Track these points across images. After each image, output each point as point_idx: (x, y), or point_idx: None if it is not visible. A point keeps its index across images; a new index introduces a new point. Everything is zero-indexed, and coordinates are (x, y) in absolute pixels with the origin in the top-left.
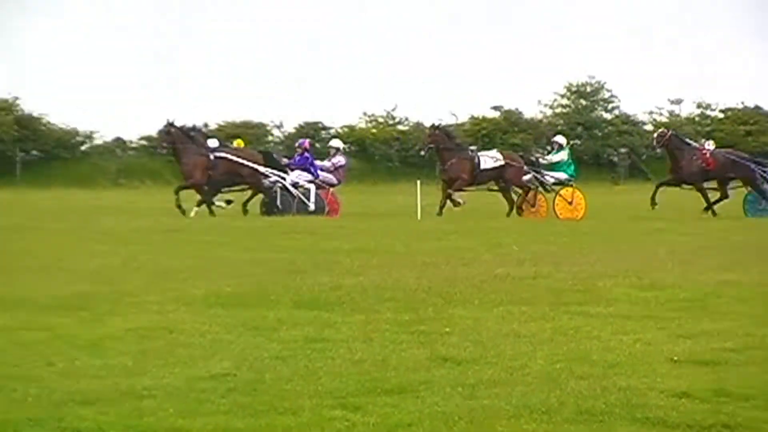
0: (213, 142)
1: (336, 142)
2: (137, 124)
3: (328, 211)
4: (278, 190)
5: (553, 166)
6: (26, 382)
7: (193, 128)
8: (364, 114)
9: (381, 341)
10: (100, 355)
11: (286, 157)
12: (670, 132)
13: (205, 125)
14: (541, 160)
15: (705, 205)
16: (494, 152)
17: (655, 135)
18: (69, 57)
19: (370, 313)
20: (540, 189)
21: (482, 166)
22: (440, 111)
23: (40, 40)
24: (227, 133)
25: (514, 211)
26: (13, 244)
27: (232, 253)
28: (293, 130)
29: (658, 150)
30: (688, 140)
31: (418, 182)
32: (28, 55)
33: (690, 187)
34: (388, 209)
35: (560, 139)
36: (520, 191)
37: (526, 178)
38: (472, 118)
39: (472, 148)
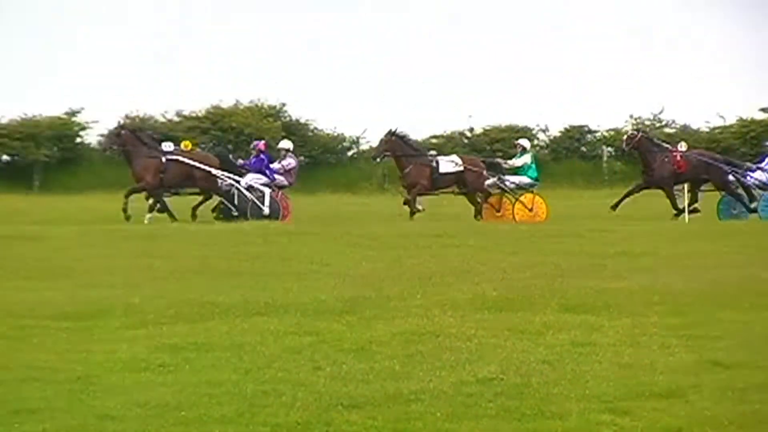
0: (167, 146)
1: (285, 143)
2: (404, 128)
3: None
4: (236, 193)
5: (516, 170)
6: (294, 387)
7: (142, 130)
8: (630, 117)
9: (648, 345)
10: (366, 358)
11: (240, 158)
12: (640, 134)
13: (471, 129)
14: (503, 165)
15: (674, 211)
16: (454, 156)
17: (625, 137)
18: (333, 62)
19: (637, 317)
20: (507, 193)
21: (441, 170)
22: (708, 113)
23: (304, 46)
24: (491, 137)
25: (477, 214)
26: (281, 249)
27: (496, 256)
28: (558, 134)
29: (627, 152)
30: (659, 141)
31: (685, 186)
32: (293, 60)
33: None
34: (655, 212)
35: (524, 142)
36: (481, 195)
37: (488, 182)
38: (740, 120)
39: (432, 153)
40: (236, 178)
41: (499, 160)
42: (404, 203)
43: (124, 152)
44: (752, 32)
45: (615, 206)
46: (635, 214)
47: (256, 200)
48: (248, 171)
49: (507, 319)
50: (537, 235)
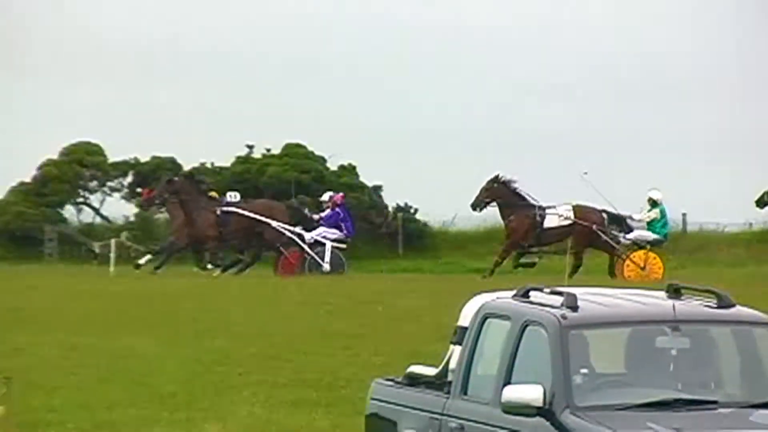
0: (233, 196)
1: (327, 196)
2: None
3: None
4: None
5: (645, 226)
6: None
7: (198, 178)
8: None
9: None
10: None
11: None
12: None
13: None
14: (629, 219)
15: None
16: (565, 208)
17: None
18: None
19: None
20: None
21: (546, 224)
22: None
23: None
24: None
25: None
26: None
27: None
28: None
29: None
30: None
31: None
32: None
33: None
34: None
35: (654, 194)
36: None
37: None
38: None
39: (542, 204)
40: (298, 231)
41: (626, 214)
42: (498, 262)
43: (180, 202)
44: None
45: None
46: None
47: (315, 256)
48: (322, 225)
49: None
50: None
